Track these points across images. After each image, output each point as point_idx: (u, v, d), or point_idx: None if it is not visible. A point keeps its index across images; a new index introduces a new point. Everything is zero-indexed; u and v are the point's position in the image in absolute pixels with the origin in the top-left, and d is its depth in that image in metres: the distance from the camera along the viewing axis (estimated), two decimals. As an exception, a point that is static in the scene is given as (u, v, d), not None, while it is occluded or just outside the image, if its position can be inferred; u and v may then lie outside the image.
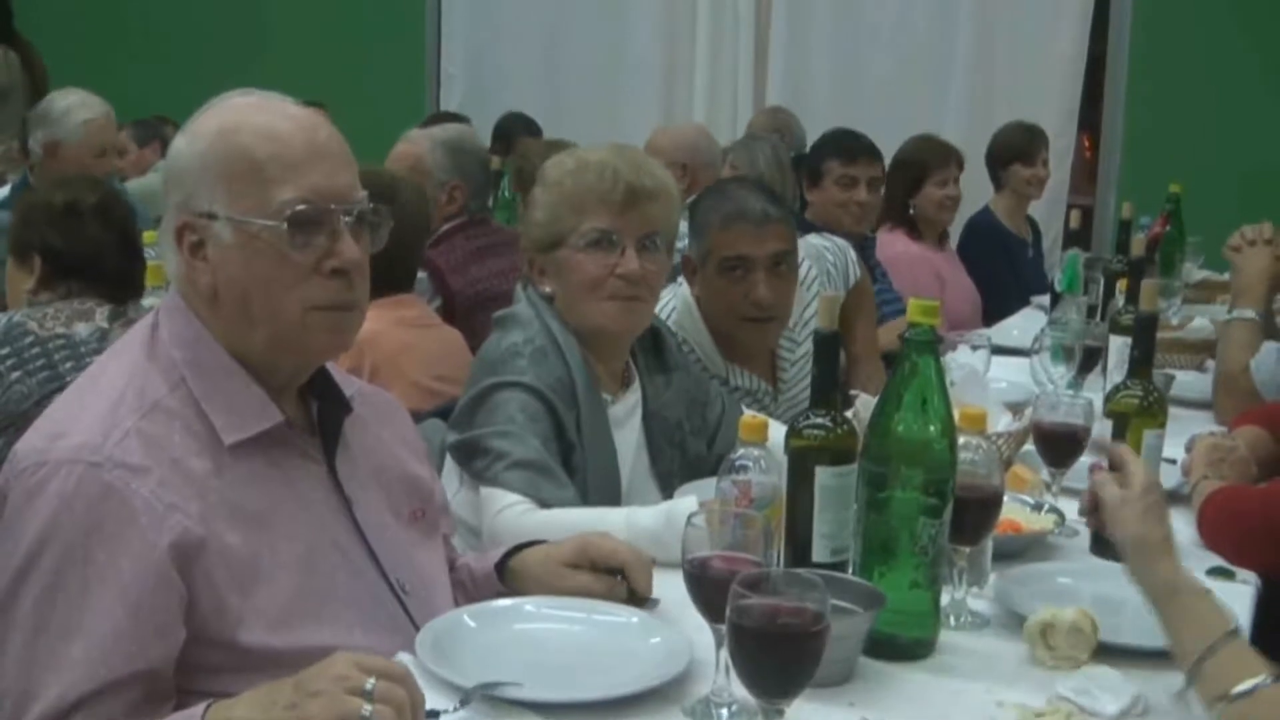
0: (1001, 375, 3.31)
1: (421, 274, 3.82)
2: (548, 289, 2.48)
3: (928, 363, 1.78)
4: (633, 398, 2.56)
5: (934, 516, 1.78)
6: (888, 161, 4.73)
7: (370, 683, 1.39)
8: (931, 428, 1.78)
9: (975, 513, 1.90)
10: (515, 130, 6.64)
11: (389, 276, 3.20)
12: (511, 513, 2.24)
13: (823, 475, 1.89)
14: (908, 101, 6.72)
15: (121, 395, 1.65)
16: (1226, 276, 5.21)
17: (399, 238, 3.14)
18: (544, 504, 2.25)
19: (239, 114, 1.72)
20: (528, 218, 2.52)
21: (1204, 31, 6.50)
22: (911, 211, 4.88)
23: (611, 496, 2.42)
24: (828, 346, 1.93)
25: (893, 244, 4.73)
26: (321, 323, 1.71)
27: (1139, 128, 6.65)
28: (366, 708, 1.37)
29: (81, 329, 2.94)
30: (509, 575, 1.99)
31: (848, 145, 4.42)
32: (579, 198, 2.43)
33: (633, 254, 2.41)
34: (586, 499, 2.34)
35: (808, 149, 5.22)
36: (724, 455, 2.55)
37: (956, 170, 5.00)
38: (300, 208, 1.67)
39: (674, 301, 3.01)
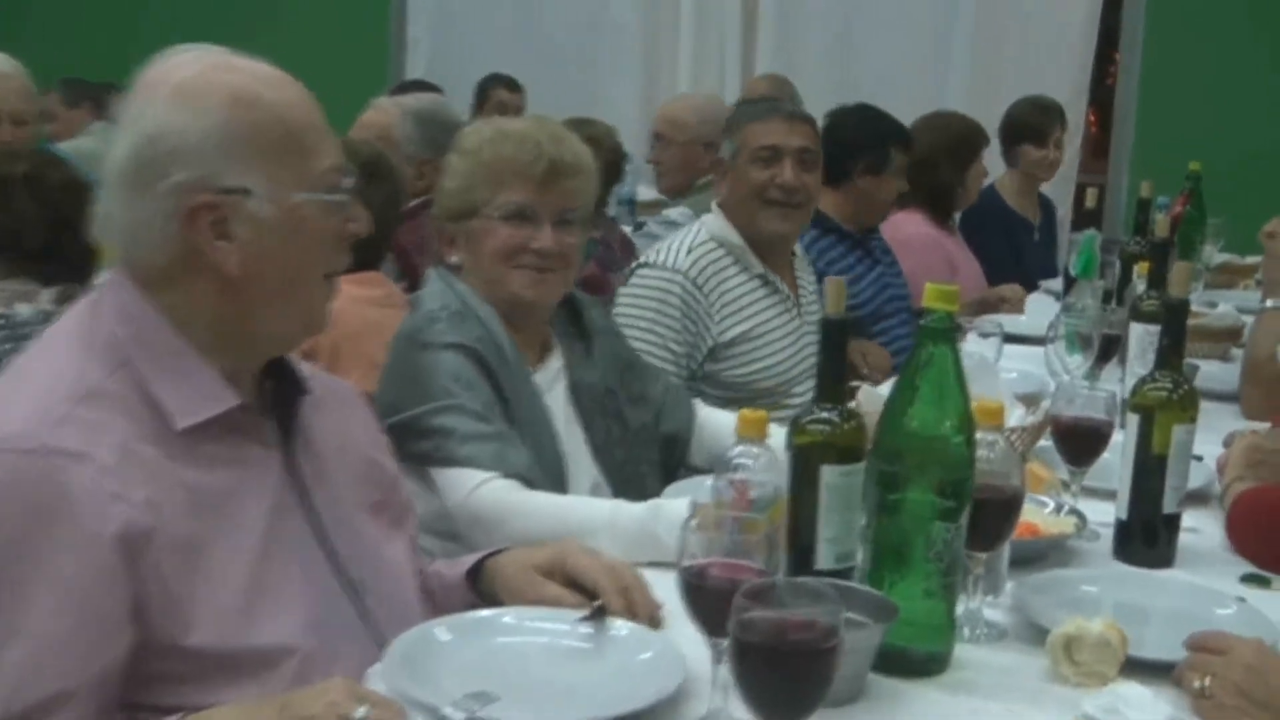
0: (1012, 365, 3.29)
1: (385, 252, 3.80)
2: (455, 259, 2.54)
3: (944, 352, 1.74)
4: (555, 365, 2.60)
5: (950, 520, 1.74)
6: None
7: (362, 711, 1.41)
8: (948, 423, 1.74)
9: (993, 516, 1.86)
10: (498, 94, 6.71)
11: (362, 254, 3.17)
12: (489, 489, 2.28)
13: (828, 474, 1.85)
14: (908, 74, 6.71)
15: (56, 380, 1.62)
16: (1249, 260, 5.25)
17: (379, 214, 3.21)
18: (518, 474, 2.29)
19: (239, 78, 1.70)
20: (441, 185, 2.58)
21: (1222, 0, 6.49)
22: (960, 190, 4.88)
23: (553, 463, 2.46)
24: (836, 333, 1.89)
25: (906, 224, 4.69)
26: (330, 292, 1.78)
27: (1154, 103, 6.66)
28: None
29: (23, 310, 2.91)
30: (483, 577, 1.97)
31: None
32: (497, 168, 2.49)
33: (549, 229, 2.48)
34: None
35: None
36: (674, 434, 2.74)
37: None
38: (346, 179, 1.74)
39: (701, 231, 3.33)
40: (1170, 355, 2.21)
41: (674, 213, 4.86)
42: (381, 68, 7.67)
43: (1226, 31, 6.47)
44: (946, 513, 1.74)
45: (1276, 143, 6.27)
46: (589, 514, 2.22)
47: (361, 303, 3.18)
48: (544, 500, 2.27)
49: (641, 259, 3.37)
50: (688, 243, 3.31)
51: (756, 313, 3.34)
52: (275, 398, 1.80)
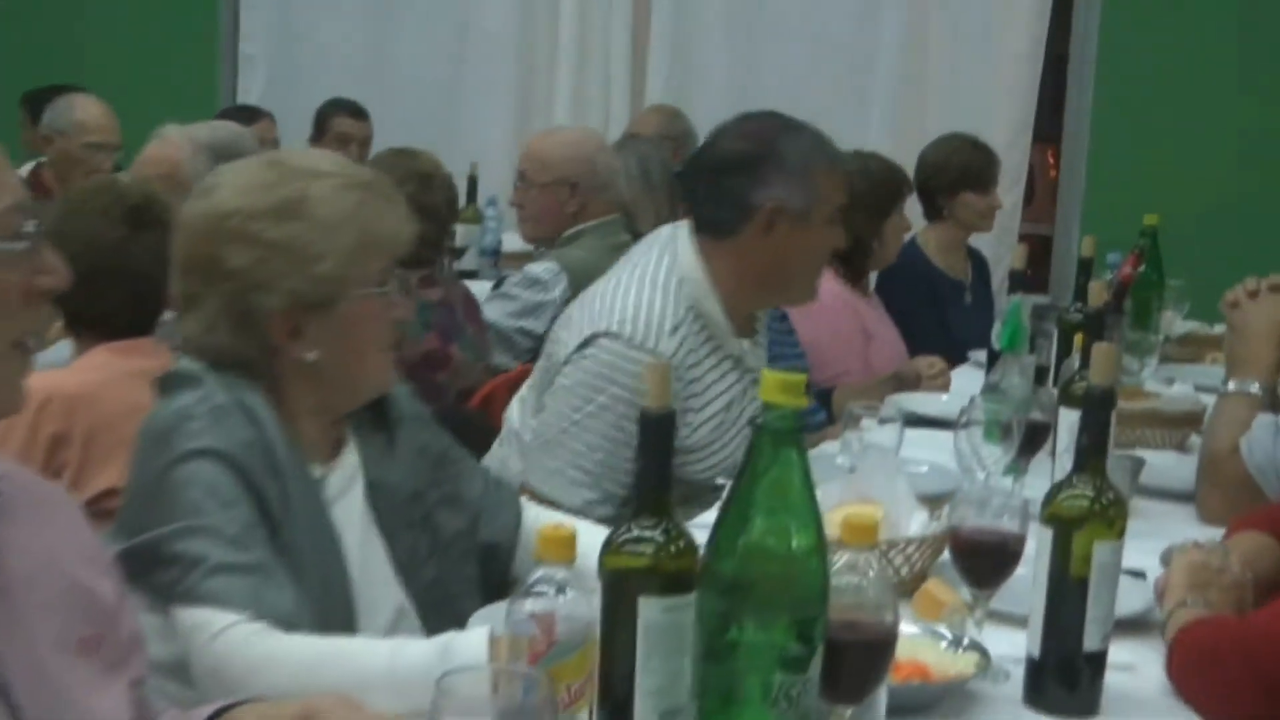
0: (922, 456, 3.16)
1: (169, 315, 3.63)
2: (312, 356, 2.31)
3: (789, 457, 1.63)
4: (349, 464, 2.43)
5: (795, 671, 1.63)
6: None
7: None
8: (794, 543, 1.63)
9: (857, 660, 1.74)
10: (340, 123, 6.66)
11: (131, 316, 3.11)
12: (235, 635, 2.10)
13: (648, 609, 1.71)
14: (820, 107, 6.55)
15: None
16: (1216, 329, 5.18)
17: (150, 268, 3.04)
18: (275, 617, 2.12)
19: None
20: (289, 265, 2.28)
21: (1183, 26, 6.53)
22: (876, 245, 4.78)
23: (339, 593, 2.30)
24: (658, 431, 1.75)
25: None
26: (22, 364, 1.68)
27: (1107, 144, 6.68)
28: None
29: None
30: None
31: None
32: (374, 238, 2.33)
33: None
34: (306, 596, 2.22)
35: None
36: (495, 542, 2.58)
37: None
38: (28, 222, 1.63)
39: (680, 300, 3.14)
40: (1091, 456, 2.11)
41: (538, 268, 4.68)
42: (211, 90, 7.62)
43: (1192, 66, 6.50)
44: (791, 662, 1.63)
45: (1247, 191, 6.29)
46: (361, 660, 2.07)
47: (126, 378, 2.99)
48: (304, 646, 2.10)
49: (602, 325, 3.12)
50: (669, 320, 3.13)
51: (727, 402, 3.25)
52: None
